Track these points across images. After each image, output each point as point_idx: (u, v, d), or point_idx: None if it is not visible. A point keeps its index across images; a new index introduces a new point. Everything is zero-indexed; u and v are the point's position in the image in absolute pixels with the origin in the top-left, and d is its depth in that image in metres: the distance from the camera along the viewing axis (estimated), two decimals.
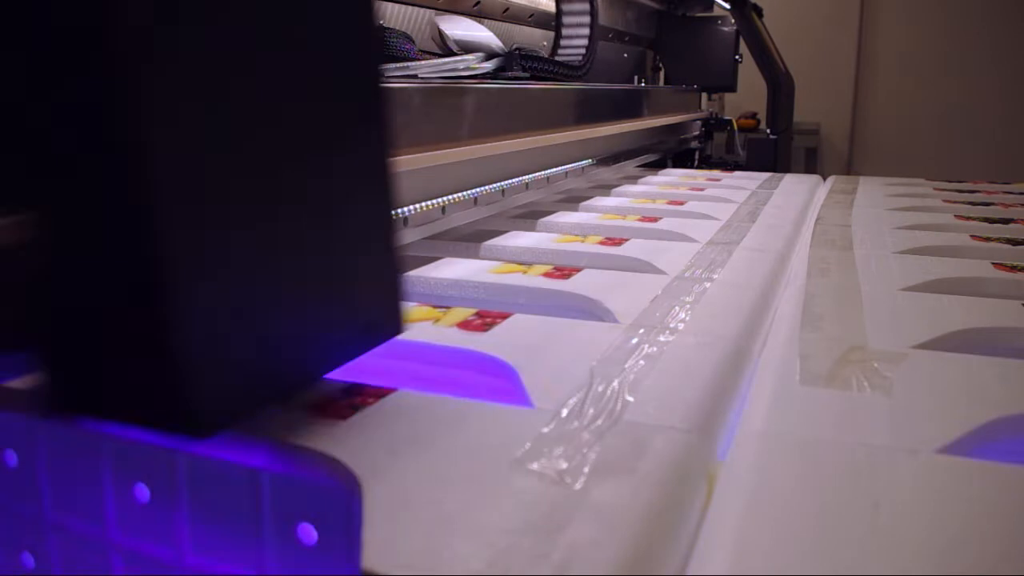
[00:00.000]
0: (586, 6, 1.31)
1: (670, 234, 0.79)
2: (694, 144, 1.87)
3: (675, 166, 1.68)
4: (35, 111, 0.26)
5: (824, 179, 1.30)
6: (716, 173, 1.40)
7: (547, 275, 0.60)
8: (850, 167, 3.06)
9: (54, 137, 0.26)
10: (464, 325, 0.47)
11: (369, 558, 0.25)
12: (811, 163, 3.01)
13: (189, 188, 0.26)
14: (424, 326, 0.48)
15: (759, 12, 1.88)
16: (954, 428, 0.35)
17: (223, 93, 0.27)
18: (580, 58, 1.28)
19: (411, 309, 0.51)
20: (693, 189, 1.15)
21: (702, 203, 0.99)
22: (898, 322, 0.50)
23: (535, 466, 0.30)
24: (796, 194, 1.10)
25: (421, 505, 0.28)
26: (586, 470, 0.30)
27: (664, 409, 0.36)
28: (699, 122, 1.90)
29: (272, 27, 0.30)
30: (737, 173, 1.41)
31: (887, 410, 0.37)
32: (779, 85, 1.82)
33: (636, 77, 1.88)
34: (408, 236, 0.70)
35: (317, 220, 0.32)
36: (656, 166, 1.55)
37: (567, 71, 1.14)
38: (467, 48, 0.94)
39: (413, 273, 0.61)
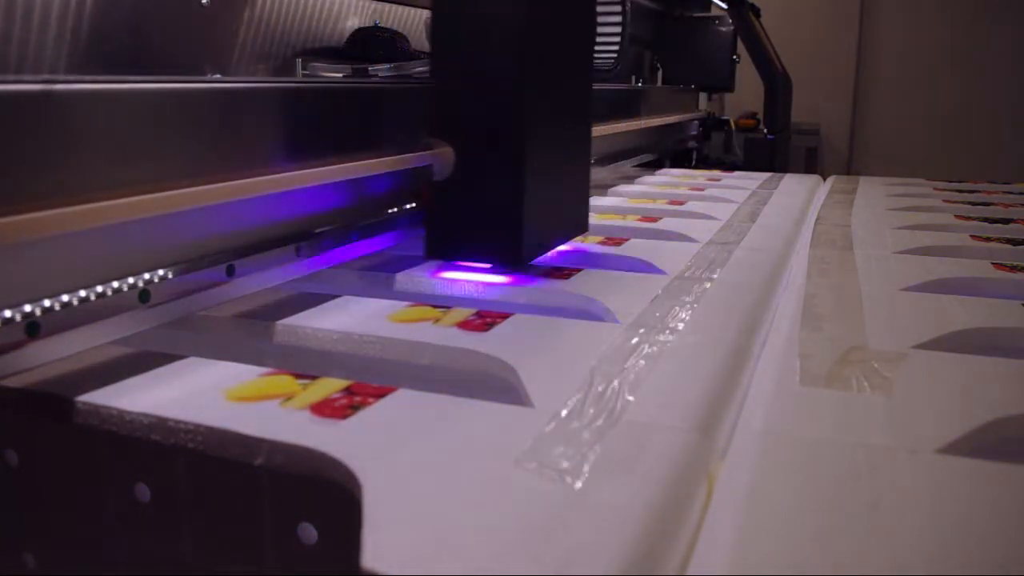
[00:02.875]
0: (619, 18, 1.35)
1: (670, 234, 0.79)
2: (691, 144, 1.87)
3: (673, 166, 1.69)
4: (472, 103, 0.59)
5: (824, 179, 1.30)
6: (715, 173, 1.40)
7: (547, 275, 0.60)
8: (850, 167, 3.06)
9: (477, 112, 0.58)
10: (464, 325, 0.47)
11: (369, 558, 0.25)
12: (811, 163, 3.01)
13: (534, 150, 0.58)
14: (424, 326, 0.47)
15: (757, 12, 1.88)
16: (954, 428, 0.35)
17: (544, 99, 0.61)
18: (612, 62, 1.33)
19: (411, 309, 0.51)
20: (692, 189, 1.15)
21: (702, 203, 0.99)
22: (898, 322, 0.50)
23: (535, 466, 0.30)
24: (796, 194, 1.10)
25: (421, 505, 0.28)
26: (586, 470, 0.30)
27: (664, 409, 0.36)
28: (696, 122, 1.89)
29: (566, 50, 0.66)
30: (737, 173, 1.41)
31: (887, 410, 0.37)
32: (776, 85, 1.82)
33: (634, 77, 1.88)
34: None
35: (567, 161, 0.66)
36: (654, 166, 1.55)
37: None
38: None
39: (408, 272, 0.61)
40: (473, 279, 0.59)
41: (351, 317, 0.49)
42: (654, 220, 0.86)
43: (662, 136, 1.61)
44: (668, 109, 1.64)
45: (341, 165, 0.59)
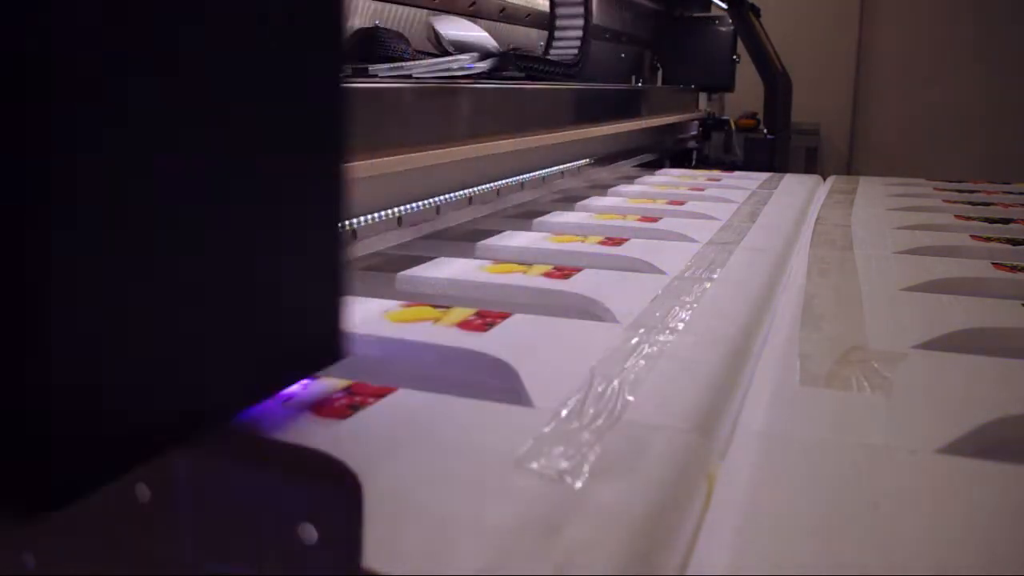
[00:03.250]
0: (580, 9, 1.32)
1: (670, 234, 0.79)
2: (691, 144, 1.88)
3: (673, 166, 1.69)
4: None
5: (824, 179, 1.30)
6: (716, 173, 1.40)
7: (547, 275, 0.60)
8: (850, 167, 3.06)
9: None
10: (464, 325, 0.47)
11: (369, 558, 0.25)
12: (811, 163, 3.01)
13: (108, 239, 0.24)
14: (424, 326, 0.47)
15: (757, 12, 1.88)
16: (954, 428, 0.35)
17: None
18: (573, 56, 1.29)
19: (411, 309, 0.51)
20: (692, 189, 1.15)
21: (702, 203, 0.99)
22: (898, 322, 0.50)
23: (535, 466, 0.30)
24: (796, 194, 1.10)
25: (421, 505, 0.28)
26: (586, 470, 0.30)
27: (664, 409, 0.36)
28: (696, 122, 1.90)
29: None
30: (737, 173, 1.41)
31: (887, 410, 0.37)
32: (776, 85, 1.83)
33: (634, 77, 1.89)
34: (403, 236, 0.70)
35: (256, 244, 0.30)
36: (654, 166, 1.55)
37: (564, 70, 1.13)
38: (462, 48, 0.94)
39: (410, 272, 0.61)
40: None
41: None
42: (654, 220, 0.86)
43: (662, 136, 1.61)
44: (668, 109, 1.64)
45: None
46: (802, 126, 2.95)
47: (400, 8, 0.98)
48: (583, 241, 0.74)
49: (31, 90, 0.22)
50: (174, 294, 0.27)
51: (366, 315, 0.50)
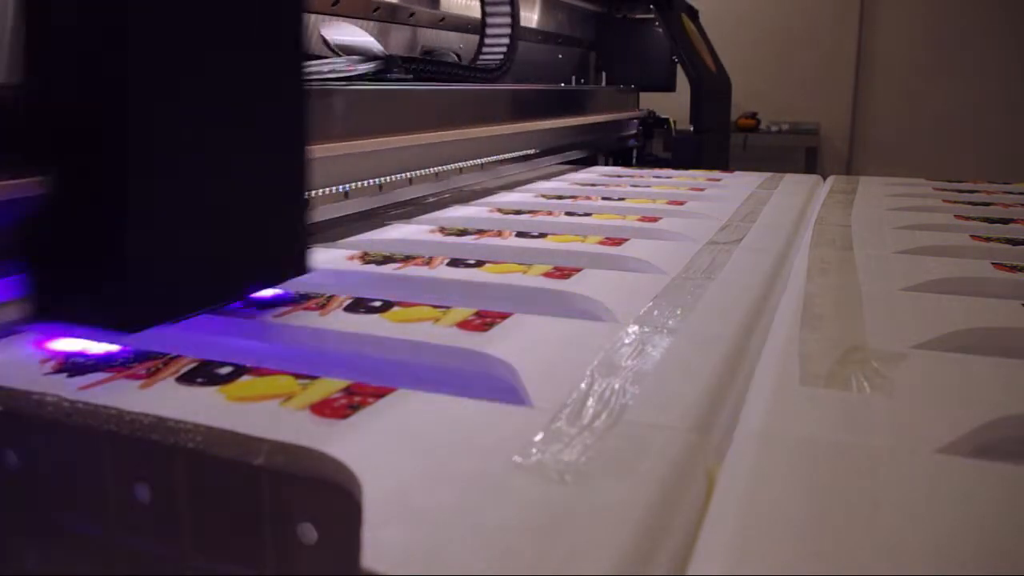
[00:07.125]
0: (507, 9, 1.37)
1: (670, 234, 0.79)
2: (632, 142, 1.92)
3: (616, 163, 1.73)
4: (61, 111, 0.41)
5: (824, 179, 1.30)
6: (716, 173, 1.40)
7: (547, 275, 0.60)
8: (850, 167, 3.06)
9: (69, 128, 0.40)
10: (464, 325, 0.47)
11: (369, 558, 0.25)
12: (811, 163, 3.01)
13: (154, 168, 0.41)
14: (424, 326, 0.47)
15: (693, 14, 1.93)
16: (954, 428, 0.35)
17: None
18: (499, 59, 1.35)
19: (411, 308, 0.51)
20: (692, 189, 1.15)
21: (702, 203, 0.99)
22: (898, 322, 0.50)
23: (535, 466, 0.30)
24: (796, 194, 1.10)
25: (421, 505, 0.28)
26: (586, 470, 0.30)
27: (664, 409, 0.36)
28: (636, 121, 1.93)
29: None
30: (736, 173, 1.40)
31: (887, 410, 0.37)
32: (701, 86, 1.88)
33: (574, 78, 1.94)
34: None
35: (248, 181, 0.47)
36: (587, 163, 1.59)
37: (468, 72, 1.15)
38: (348, 53, 0.95)
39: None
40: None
41: None
42: (654, 220, 0.86)
43: (593, 134, 1.64)
44: (603, 108, 1.68)
45: None
46: (802, 126, 2.95)
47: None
48: (583, 241, 0.74)
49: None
50: (202, 215, 0.44)
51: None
